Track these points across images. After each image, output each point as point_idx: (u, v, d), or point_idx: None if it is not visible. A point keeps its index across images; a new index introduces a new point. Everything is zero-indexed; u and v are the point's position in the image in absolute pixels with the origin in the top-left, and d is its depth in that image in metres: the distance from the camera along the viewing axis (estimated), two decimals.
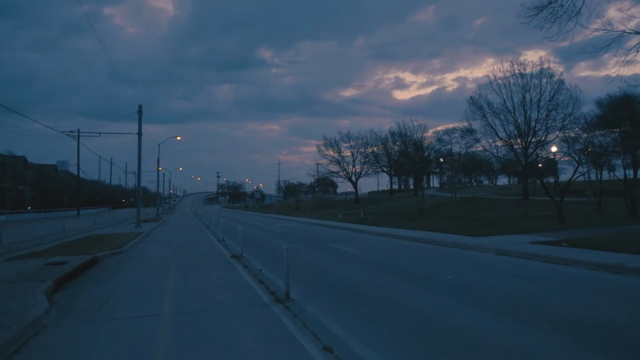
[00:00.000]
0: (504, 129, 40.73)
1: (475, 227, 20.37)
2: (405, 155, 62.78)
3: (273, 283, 9.34)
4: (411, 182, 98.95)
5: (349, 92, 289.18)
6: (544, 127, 39.45)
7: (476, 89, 39.70)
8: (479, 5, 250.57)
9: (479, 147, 45.88)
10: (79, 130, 55.98)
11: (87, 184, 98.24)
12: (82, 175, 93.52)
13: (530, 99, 39.16)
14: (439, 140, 52.70)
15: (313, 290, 8.65)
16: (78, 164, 69.62)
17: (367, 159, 64.23)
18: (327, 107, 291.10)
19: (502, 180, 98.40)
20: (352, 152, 63.53)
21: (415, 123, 65.04)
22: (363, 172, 64.62)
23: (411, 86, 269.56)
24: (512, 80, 39.93)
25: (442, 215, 31.87)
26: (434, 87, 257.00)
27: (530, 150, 40.09)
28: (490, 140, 42.01)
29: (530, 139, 39.91)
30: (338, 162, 63.87)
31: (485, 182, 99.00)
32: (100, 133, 32.68)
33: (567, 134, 28.77)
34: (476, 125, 42.51)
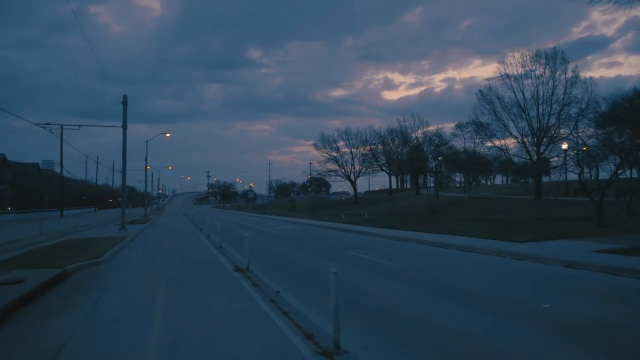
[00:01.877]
0: (515, 125, 38.56)
1: (508, 231, 17.91)
2: (407, 153, 60.60)
3: (303, 316, 6.72)
4: (408, 181, 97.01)
5: (338, 93, 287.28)
6: (557, 123, 37.32)
7: (486, 82, 37.23)
8: (466, 7, 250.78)
9: (488, 143, 43.67)
10: (61, 126, 52.54)
11: (72, 183, 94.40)
12: (67, 174, 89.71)
13: (544, 93, 37.00)
14: (438, 137, 50.20)
15: (365, 328, 6.06)
16: (61, 162, 66.17)
17: (366, 158, 61.67)
18: (317, 108, 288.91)
19: (497, 180, 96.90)
20: (350, 150, 60.91)
21: (414, 120, 62.32)
22: (362, 171, 62.00)
23: (400, 87, 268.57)
24: (523, 72, 37.72)
25: (455, 216, 29.48)
26: (423, 88, 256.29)
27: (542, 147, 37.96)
28: (500, 139, 39.77)
29: (543, 135, 37.73)
30: (336, 161, 61.19)
31: (482, 181, 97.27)
32: (80, 126, 29.86)
33: (596, 131, 26.47)
34: (485, 121, 40.27)
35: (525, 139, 38.35)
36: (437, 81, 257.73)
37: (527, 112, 37.62)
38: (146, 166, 60.36)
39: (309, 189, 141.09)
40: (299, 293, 8.43)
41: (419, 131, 60.47)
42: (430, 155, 63.01)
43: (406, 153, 65.24)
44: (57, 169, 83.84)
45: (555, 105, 36.87)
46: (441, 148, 51.05)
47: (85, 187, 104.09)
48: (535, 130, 37.58)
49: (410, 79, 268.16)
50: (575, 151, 33.39)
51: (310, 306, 7.35)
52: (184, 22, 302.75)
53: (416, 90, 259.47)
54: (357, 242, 18.17)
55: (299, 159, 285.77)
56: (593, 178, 26.92)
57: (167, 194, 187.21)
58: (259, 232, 25.88)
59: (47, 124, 24.95)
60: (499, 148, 40.31)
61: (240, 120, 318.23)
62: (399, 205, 47.93)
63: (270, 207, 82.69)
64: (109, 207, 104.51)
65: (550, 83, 36.62)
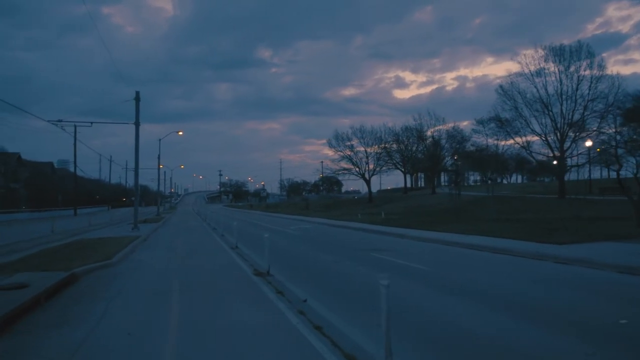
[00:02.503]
0: (538, 121, 37.15)
1: (546, 232, 16.78)
2: (422, 151, 59.32)
3: (338, 332, 5.82)
4: (422, 180, 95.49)
5: (348, 92, 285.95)
6: (581, 120, 35.79)
7: (507, 77, 35.61)
8: (476, 5, 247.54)
9: (509, 141, 42.23)
10: (75, 125, 52.38)
11: (86, 182, 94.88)
12: (81, 173, 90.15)
13: (568, 88, 35.52)
14: (460, 134, 48.50)
15: (413, 347, 5.13)
16: (75, 161, 66.20)
17: (380, 156, 60.38)
18: (327, 107, 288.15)
19: (513, 179, 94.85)
20: (365, 148, 59.61)
21: (430, 118, 60.76)
22: (377, 170, 60.72)
23: (411, 85, 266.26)
24: (545, 66, 36.27)
25: (478, 215, 28.30)
26: (434, 86, 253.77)
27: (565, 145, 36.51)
28: (521, 136, 38.36)
29: (567, 132, 36.27)
30: (350, 159, 59.96)
31: (498, 180, 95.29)
32: (92, 122, 29.22)
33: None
34: (505, 117, 38.88)
35: (548, 136, 36.90)
36: (449, 79, 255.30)
37: (550, 108, 36.20)
38: (159, 165, 60.18)
39: (321, 188, 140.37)
40: (329, 302, 7.54)
41: (433, 129, 59.21)
42: (445, 153, 61.56)
43: (421, 151, 63.94)
44: (72, 168, 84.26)
45: (580, 101, 35.41)
46: (463, 144, 48.99)
47: (99, 186, 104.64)
48: (559, 127, 36.13)
49: (421, 78, 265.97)
50: (609, 145, 31.88)
51: (344, 318, 6.45)
52: (195, 23, 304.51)
53: (427, 89, 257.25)
54: (380, 243, 17.22)
55: (309, 157, 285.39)
56: (631, 175, 25.51)
57: (179, 192, 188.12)
58: (275, 232, 25.06)
59: (59, 120, 24.46)
60: (521, 145, 38.89)
61: (250, 119, 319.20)
62: (415, 204, 46.75)
63: (283, 206, 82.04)
64: (122, 206, 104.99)
65: (575, 77, 35.18)
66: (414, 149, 63.66)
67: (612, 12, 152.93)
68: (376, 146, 59.33)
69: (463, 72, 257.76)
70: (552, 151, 36.79)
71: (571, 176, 55.96)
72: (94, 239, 19.98)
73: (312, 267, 11.65)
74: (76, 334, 5.94)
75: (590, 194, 39.80)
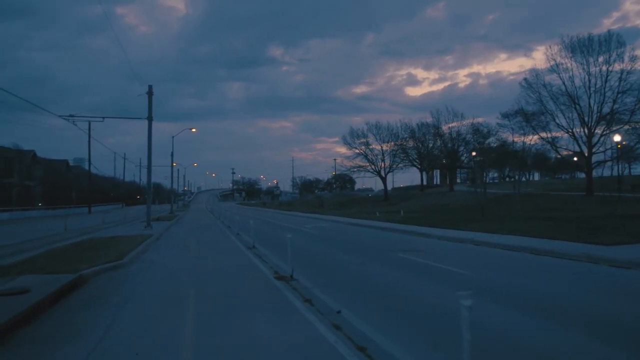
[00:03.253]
0: (564, 116, 35.56)
1: (585, 232, 15.53)
2: (439, 147, 57.84)
3: (387, 354, 4.82)
4: (437, 177, 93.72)
5: (360, 89, 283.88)
6: (610, 113, 34.13)
7: (531, 69, 34.04)
8: (489, 1, 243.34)
9: (530, 138, 40.67)
10: (89, 122, 52.36)
11: (100, 180, 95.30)
12: (95, 171, 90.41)
13: (596, 80, 33.87)
14: (477, 130, 46.75)
15: None
16: (89, 158, 66.19)
17: (396, 153, 58.96)
18: (338, 105, 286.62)
19: (531, 176, 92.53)
20: (381, 145, 58.20)
21: (448, 113, 59.09)
22: (394, 167, 59.31)
23: (423, 82, 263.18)
24: (571, 57, 34.63)
25: (503, 213, 26.94)
26: (447, 83, 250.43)
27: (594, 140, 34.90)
28: (547, 132, 36.78)
29: (595, 127, 34.64)
30: (365, 156, 58.66)
31: (515, 177, 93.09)
32: (104, 117, 28.76)
33: None
34: (530, 110, 37.35)
35: (575, 131, 35.30)
36: (462, 76, 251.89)
37: (577, 102, 34.58)
38: (172, 162, 59.75)
39: (334, 186, 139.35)
40: (365, 313, 6.54)
41: (450, 124, 57.65)
42: (463, 149, 59.87)
43: (438, 147, 62.45)
44: (87, 166, 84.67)
45: (609, 94, 33.75)
46: (484, 140, 46.79)
47: (113, 184, 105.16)
48: (587, 121, 34.52)
49: (434, 75, 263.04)
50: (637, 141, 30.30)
51: (389, 335, 5.45)
52: (207, 22, 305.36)
53: (440, 86, 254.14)
54: (405, 243, 16.16)
55: (321, 155, 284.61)
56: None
57: (192, 190, 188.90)
58: (292, 230, 24.11)
59: (71, 115, 23.82)
60: (547, 141, 37.28)
61: (262, 117, 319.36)
62: (434, 202, 45.46)
63: (297, 204, 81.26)
64: (136, 203, 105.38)
65: (604, 69, 33.52)
66: (430, 145, 62.18)
67: (629, 5, 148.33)
68: (392, 143, 58.01)
69: (476, 68, 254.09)
70: (580, 146, 35.16)
71: (596, 173, 54.14)
72: (105, 238, 19.30)
73: (337, 270, 10.66)
74: (79, 351, 5.05)
75: (619, 190, 38.10)
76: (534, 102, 36.58)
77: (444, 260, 11.37)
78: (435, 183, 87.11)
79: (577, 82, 34.63)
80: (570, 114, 35.28)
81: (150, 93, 25.05)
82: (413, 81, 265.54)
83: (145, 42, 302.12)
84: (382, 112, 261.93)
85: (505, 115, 38.71)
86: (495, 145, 48.15)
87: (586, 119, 34.61)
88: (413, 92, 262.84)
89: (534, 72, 36.43)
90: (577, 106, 34.74)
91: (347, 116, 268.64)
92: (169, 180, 73.22)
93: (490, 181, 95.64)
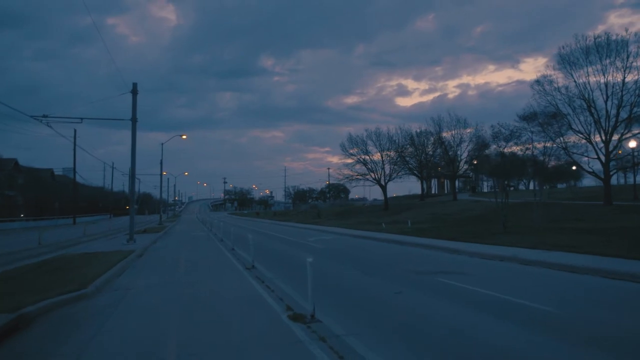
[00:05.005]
0: (579, 120, 33.46)
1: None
2: (439, 154, 55.58)
3: None
4: (434, 186, 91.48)
5: (351, 100, 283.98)
6: (629, 118, 32.09)
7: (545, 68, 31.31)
8: (478, 14, 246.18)
9: (538, 145, 38.56)
10: (75, 130, 49.51)
11: (88, 190, 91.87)
12: (83, 181, 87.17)
13: (613, 83, 31.87)
14: (509, 131, 43.14)
15: None
16: (74, 166, 63.07)
17: (397, 161, 56.47)
18: (330, 115, 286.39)
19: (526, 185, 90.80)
20: (381, 152, 55.59)
21: (450, 119, 56.66)
22: (393, 175, 56.71)
23: (413, 93, 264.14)
24: (585, 58, 32.64)
25: (527, 225, 24.52)
26: (437, 94, 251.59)
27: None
28: (561, 137, 34.60)
29: (611, 132, 32.55)
30: (365, 164, 56.07)
31: (513, 187, 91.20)
32: (82, 119, 25.98)
33: None
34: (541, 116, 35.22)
35: (591, 137, 33.15)
36: (451, 87, 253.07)
37: (593, 106, 32.54)
38: (161, 170, 56.87)
39: (328, 195, 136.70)
40: None
41: (453, 131, 55.54)
42: (462, 156, 57.58)
43: (438, 154, 60.24)
44: (80, 175, 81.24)
45: (626, 97, 31.74)
46: (509, 142, 43.16)
47: (102, 194, 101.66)
48: (604, 127, 32.43)
49: (424, 85, 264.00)
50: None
51: None
52: (199, 32, 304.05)
53: (430, 97, 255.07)
54: (433, 261, 13.61)
55: (312, 165, 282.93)
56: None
57: (183, 200, 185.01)
58: (293, 244, 21.52)
59: (44, 116, 21.08)
60: (561, 146, 35.06)
61: (254, 127, 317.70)
62: (440, 212, 42.99)
63: (292, 214, 78.42)
64: (125, 214, 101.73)
65: (621, 71, 31.54)
66: (431, 153, 59.90)
67: (613, 19, 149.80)
68: (393, 151, 55.49)
69: (465, 79, 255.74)
70: (597, 153, 33.03)
71: (595, 182, 52.14)
72: (79, 255, 16.55)
73: (370, 304, 8.08)
74: None
75: (635, 199, 36.06)
76: (545, 106, 34.50)
77: (502, 288, 8.85)
78: (432, 192, 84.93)
79: (593, 85, 32.66)
80: (584, 119, 33.22)
81: (134, 92, 22.45)
82: (403, 92, 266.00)
83: (136, 52, 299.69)
84: (373, 122, 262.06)
85: (524, 118, 36.22)
86: (500, 151, 45.73)
87: (603, 123, 32.53)
88: (403, 102, 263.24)
89: (546, 77, 34.28)
90: (594, 110, 32.68)
91: (338, 126, 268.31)
92: (159, 190, 70.21)
93: (490, 190, 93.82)
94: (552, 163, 41.47)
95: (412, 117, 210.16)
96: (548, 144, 35.87)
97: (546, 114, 33.62)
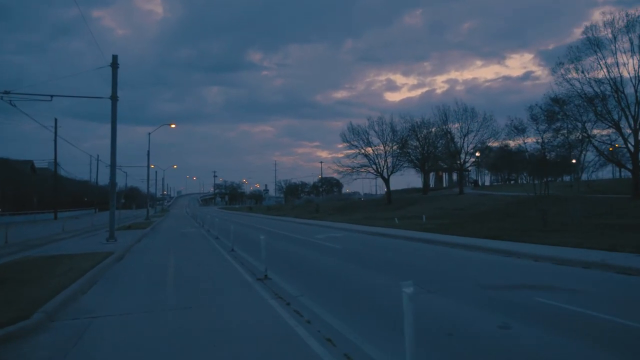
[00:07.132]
0: (606, 108, 30.86)
1: None
2: (444, 145, 52.81)
3: None
4: (432, 180, 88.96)
5: (340, 94, 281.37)
6: None
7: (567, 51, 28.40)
8: (465, 10, 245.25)
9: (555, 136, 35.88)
10: (55, 119, 45.17)
11: (71, 183, 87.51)
12: (67, 174, 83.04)
13: None
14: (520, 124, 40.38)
15: None
16: (55, 157, 59.38)
17: (399, 153, 53.40)
18: (318, 110, 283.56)
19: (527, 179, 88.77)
20: (384, 143, 52.38)
21: (458, 108, 53.39)
22: (396, 168, 53.68)
23: (402, 88, 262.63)
24: (612, 39, 30.01)
25: (559, 222, 21.80)
26: (425, 89, 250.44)
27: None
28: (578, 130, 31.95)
29: None
30: (366, 155, 52.88)
31: (513, 180, 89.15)
32: (52, 96, 23.00)
33: None
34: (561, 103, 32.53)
35: (619, 125, 30.57)
36: (440, 82, 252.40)
37: (622, 90, 29.95)
38: (148, 162, 53.25)
39: (321, 190, 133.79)
40: None
41: (460, 123, 52.83)
42: (464, 147, 54.67)
43: (441, 145, 57.44)
44: (62, 170, 77.12)
45: None
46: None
47: (87, 188, 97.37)
48: (633, 114, 29.86)
49: (412, 80, 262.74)
50: None
51: None
52: (186, 26, 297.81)
53: (418, 92, 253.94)
54: (497, 268, 10.69)
55: (302, 160, 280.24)
56: None
57: (172, 195, 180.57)
58: (300, 243, 18.51)
59: (6, 92, 17.71)
60: (586, 136, 32.45)
61: (242, 122, 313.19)
62: (447, 206, 40.34)
63: (287, 208, 75.24)
64: None
65: None
66: (435, 144, 57.05)
67: (598, 16, 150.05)
68: (395, 144, 52.45)
69: (453, 75, 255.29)
70: (625, 142, 30.51)
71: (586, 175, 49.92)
72: (42, 258, 13.34)
73: (470, 347, 5.09)
74: None
75: None
76: (566, 92, 31.81)
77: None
78: (431, 186, 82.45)
79: (622, 69, 30.05)
80: (612, 104, 30.63)
81: (114, 65, 19.17)
82: (392, 87, 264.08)
83: (123, 45, 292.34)
84: (361, 117, 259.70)
85: (556, 100, 33.08)
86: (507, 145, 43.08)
87: (632, 111, 29.97)
88: (392, 97, 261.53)
89: (572, 58, 31.50)
90: (622, 94, 30.09)
91: (327, 121, 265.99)
92: (146, 183, 66.49)
93: (494, 183, 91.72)
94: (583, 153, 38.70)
95: (401, 112, 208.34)
96: (577, 135, 33.13)
97: (584, 94, 30.77)
